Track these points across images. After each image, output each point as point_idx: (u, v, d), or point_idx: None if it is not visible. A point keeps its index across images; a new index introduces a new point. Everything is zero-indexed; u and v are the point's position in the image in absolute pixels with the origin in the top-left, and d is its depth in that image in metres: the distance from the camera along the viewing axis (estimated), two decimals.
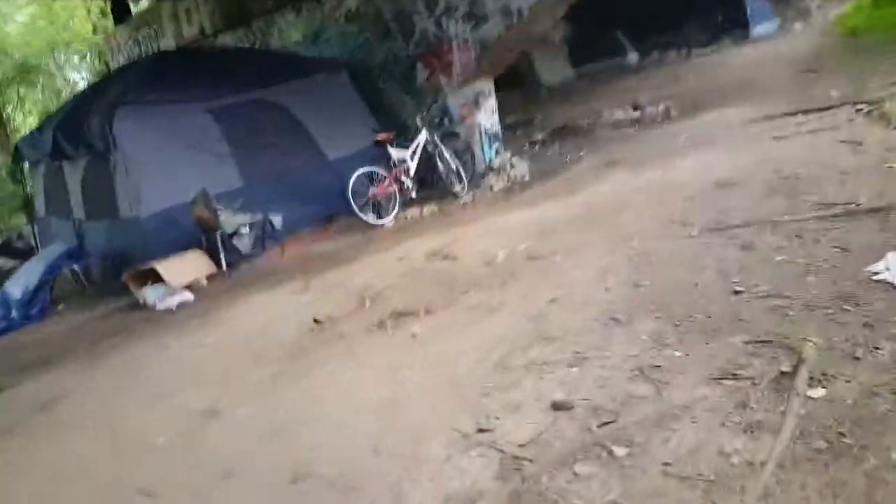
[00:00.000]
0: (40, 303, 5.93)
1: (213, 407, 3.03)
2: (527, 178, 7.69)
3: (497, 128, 8.44)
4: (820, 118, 6.39)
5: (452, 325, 3.38)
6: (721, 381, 2.36)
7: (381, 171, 6.96)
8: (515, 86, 19.89)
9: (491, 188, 7.48)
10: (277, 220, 6.30)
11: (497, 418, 2.42)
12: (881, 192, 3.73)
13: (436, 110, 7.97)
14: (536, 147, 9.91)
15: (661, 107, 10.24)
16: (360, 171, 6.76)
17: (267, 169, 7.32)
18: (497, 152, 8.36)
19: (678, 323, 2.83)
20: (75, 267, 6.50)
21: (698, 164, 5.79)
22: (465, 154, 8.08)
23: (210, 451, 2.66)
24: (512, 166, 8.11)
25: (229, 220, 5.95)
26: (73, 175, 7.17)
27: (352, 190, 6.59)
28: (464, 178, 7.58)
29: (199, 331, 4.41)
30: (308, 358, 3.38)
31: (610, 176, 6.42)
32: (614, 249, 3.99)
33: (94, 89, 7.58)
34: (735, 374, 2.37)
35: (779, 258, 3.24)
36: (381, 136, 7.16)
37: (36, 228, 8.31)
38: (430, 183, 7.66)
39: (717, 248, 3.56)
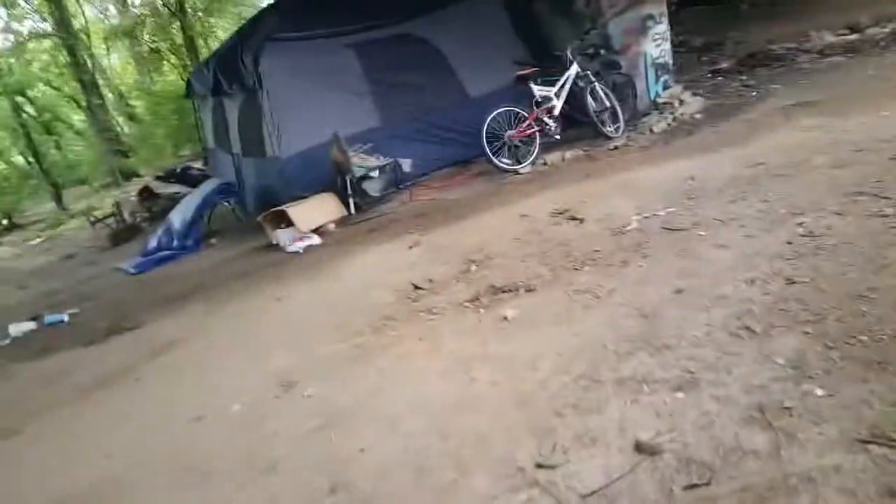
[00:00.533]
0: (194, 235, 6.40)
1: (289, 379, 2.93)
2: (697, 118, 6.63)
3: (667, 57, 7.36)
4: None
5: (551, 311, 2.91)
6: (870, 445, 1.69)
7: (522, 111, 6.37)
8: (712, 1, 17.51)
9: (650, 130, 6.56)
10: (407, 164, 6.09)
11: (564, 452, 1.98)
12: None
13: (593, 38, 7.08)
14: (720, 77, 8.57)
15: (888, 28, 8.27)
16: (497, 110, 6.24)
17: (405, 108, 7.10)
18: (665, 86, 7.32)
19: (832, 345, 2.11)
20: (227, 202, 6.88)
21: None
22: (625, 89, 7.16)
23: (269, 433, 2.56)
24: (681, 103, 7.06)
25: (360, 163, 5.84)
26: (232, 110, 7.50)
27: (486, 132, 6.11)
28: (620, 117, 6.73)
29: (311, 283, 4.39)
30: (391, 333, 3.13)
31: (799, 121, 5.26)
32: (776, 226, 3.17)
33: (253, 22, 7.73)
34: (893, 440, 1.68)
35: None
36: (523, 71, 6.50)
37: (206, 159, 8.94)
38: (580, 122, 6.92)
39: None
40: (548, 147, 6.58)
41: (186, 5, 18.60)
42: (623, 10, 7.17)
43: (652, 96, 7.19)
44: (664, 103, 7.06)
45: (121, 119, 22.87)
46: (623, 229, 3.72)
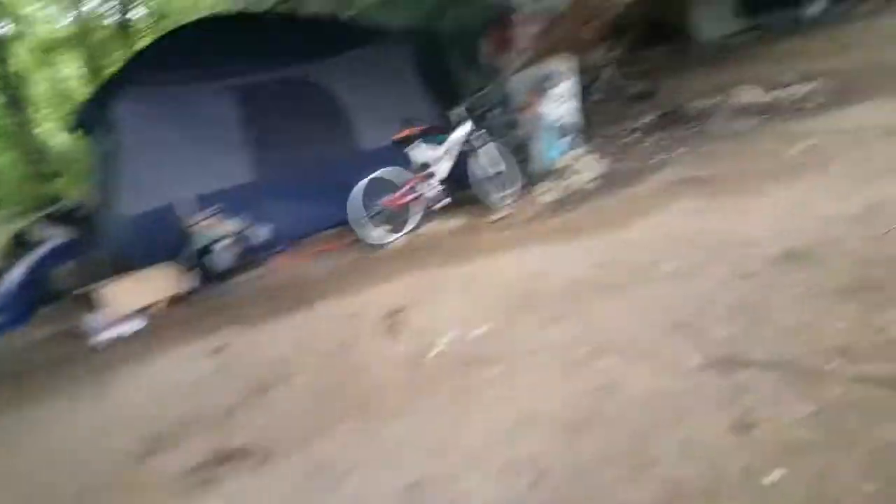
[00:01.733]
0: (22, 305, 5.63)
1: None
2: (590, 188, 6.18)
3: (572, 117, 6.92)
4: None
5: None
6: None
7: (400, 175, 5.85)
8: (664, 41, 17.40)
9: (539, 200, 6.08)
10: (263, 233, 5.50)
11: None
12: None
13: (487, 97, 6.64)
14: (638, 134, 8.21)
15: (807, 88, 8.02)
16: (371, 175, 5.73)
17: (287, 161, 6.53)
18: (567, 149, 6.88)
19: None
20: (62, 265, 6.10)
21: (786, 204, 4.10)
22: (521, 152, 6.71)
23: None
24: (579, 169, 6.61)
25: (208, 229, 5.25)
26: (100, 154, 6.82)
27: (354, 198, 5.60)
28: (511, 184, 6.25)
29: (74, 407, 3.68)
30: None
31: (678, 202, 4.84)
32: (574, 371, 2.65)
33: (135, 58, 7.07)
34: None
35: (775, 476, 1.80)
36: (404, 133, 5.98)
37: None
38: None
39: (704, 409, 2.14)
40: (436, 213, 6.06)
41: (136, 22, 17.89)
42: (524, 67, 6.76)
43: (550, 160, 6.75)
44: (562, 168, 6.61)
45: (61, 138, 21.91)
46: (426, 354, 3.19)
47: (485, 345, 3.12)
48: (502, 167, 6.24)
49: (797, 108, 7.30)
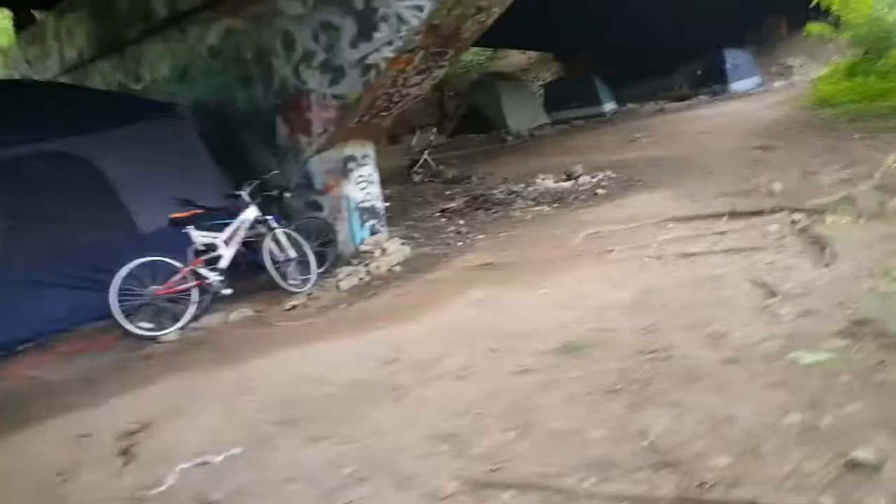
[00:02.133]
0: None
1: None
2: (394, 272, 5.97)
3: (374, 200, 6.73)
4: (746, 228, 4.84)
5: None
6: None
7: (173, 261, 5.18)
8: (481, 130, 18.60)
9: (338, 286, 5.71)
10: None
11: None
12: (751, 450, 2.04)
13: (277, 178, 6.24)
14: (445, 219, 8.26)
15: (596, 178, 8.71)
16: (138, 261, 5.00)
17: (47, 244, 5.54)
18: (372, 232, 6.66)
19: None
20: None
21: (567, 293, 4.15)
22: (324, 234, 6.36)
23: None
24: (383, 252, 6.40)
25: None
26: None
27: (121, 288, 4.84)
28: (311, 268, 5.81)
29: None
30: None
31: (471, 291, 4.73)
32: None
33: None
34: None
35: None
36: (183, 214, 5.37)
37: None
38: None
39: None
40: (224, 302, 5.40)
41: None
42: (323, 149, 6.51)
43: (355, 243, 6.48)
44: (365, 252, 6.36)
45: None
46: (154, 489, 2.59)
47: (229, 473, 2.59)
48: (298, 251, 5.81)
49: (586, 197, 7.83)
